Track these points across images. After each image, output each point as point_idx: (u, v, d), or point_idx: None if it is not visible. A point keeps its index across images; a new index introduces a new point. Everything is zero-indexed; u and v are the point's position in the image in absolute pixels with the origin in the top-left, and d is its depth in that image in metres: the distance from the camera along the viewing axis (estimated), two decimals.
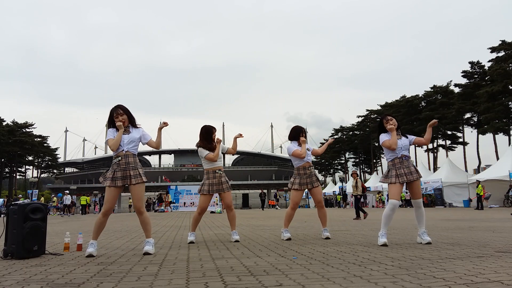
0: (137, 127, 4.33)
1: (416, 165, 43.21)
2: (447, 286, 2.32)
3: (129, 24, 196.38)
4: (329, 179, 69.75)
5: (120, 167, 4.09)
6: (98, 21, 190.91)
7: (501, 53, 39.51)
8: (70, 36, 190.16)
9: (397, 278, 2.58)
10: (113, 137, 4.16)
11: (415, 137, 4.86)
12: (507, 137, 40.75)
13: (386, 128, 4.74)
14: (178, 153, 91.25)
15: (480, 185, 20.71)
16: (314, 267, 3.11)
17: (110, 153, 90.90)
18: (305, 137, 5.60)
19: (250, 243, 5.12)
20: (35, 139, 63.64)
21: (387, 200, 4.78)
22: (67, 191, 28.97)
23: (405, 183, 4.62)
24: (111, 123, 4.26)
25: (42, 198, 37.78)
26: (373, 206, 34.03)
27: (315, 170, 5.58)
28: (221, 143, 5.54)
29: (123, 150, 4.13)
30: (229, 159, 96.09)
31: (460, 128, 48.73)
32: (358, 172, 13.84)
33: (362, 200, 14.37)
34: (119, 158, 4.11)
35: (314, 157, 5.91)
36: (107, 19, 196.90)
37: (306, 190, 5.63)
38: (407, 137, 4.79)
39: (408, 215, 13.98)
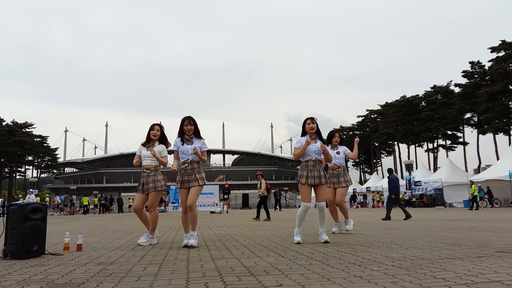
0: (200, 139, 4.89)
1: (417, 165, 43.30)
2: (447, 286, 2.32)
3: (130, 24, 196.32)
4: None
5: (187, 172, 4.74)
6: (99, 22, 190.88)
7: (501, 53, 39.54)
8: (71, 36, 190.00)
9: (397, 278, 2.58)
10: (177, 148, 4.83)
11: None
12: (507, 137, 40.78)
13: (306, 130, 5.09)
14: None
15: (474, 186, 20.76)
16: (314, 267, 3.11)
17: (109, 153, 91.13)
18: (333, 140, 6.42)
19: (250, 243, 5.12)
20: (35, 139, 63.64)
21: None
22: (31, 190, 26.80)
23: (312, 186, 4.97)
24: (181, 132, 4.86)
25: (38, 198, 37.52)
26: (373, 207, 34.01)
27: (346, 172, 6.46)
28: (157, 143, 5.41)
29: (188, 158, 4.75)
30: (229, 159, 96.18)
31: (460, 128, 48.74)
32: (262, 173, 13.67)
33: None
34: (186, 165, 4.76)
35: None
36: (108, 20, 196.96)
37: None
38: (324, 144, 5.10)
39: None
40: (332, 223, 6.53)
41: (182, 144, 4.79)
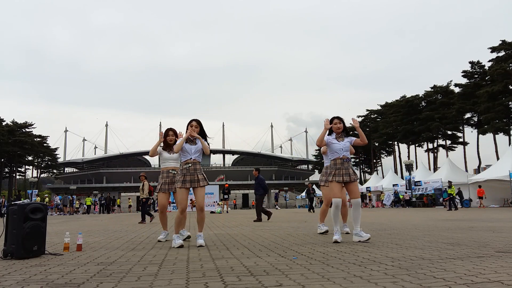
0: (205, 140, 4.98)
1: (417, 165, 43.30)
2: (447, 286, 2.32)
3: (132, 24, 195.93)
4: None
5: (190, 172, 4.77)
6: (101, 22, 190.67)
7: (502, 53, 39.52)
8: (72, 36, 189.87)
9: (397, 278, 2.58)
10: (181, 145, 4.84)
11: (354, 138, 5.18)
12: (507, 137, 40.78)
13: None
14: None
15: (453, 186, 20.84)
16: (314, 267, 3.11)
17: (109, 153, 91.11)
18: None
19: (250, 243, 5.12)
20: (35, 139, 63.64)
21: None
22: None
23: (342, 184, 4.97)
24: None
25: (39, 198, 37.52)
26: (373, 206, 34.01)
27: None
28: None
29: (191, 158, 4.81)
30: (229, 159, 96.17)
31: (460, 128, 48.73)
32: (146, 175, 12.58)
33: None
34: (189, 164, 4.80)
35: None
36: (109, 20, 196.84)
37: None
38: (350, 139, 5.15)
39: (408, 215, 13.98)
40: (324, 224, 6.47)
41: (185, 142, 4.90)
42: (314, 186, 23.58)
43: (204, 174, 4.91)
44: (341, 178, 4.91)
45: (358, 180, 5.23)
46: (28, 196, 37.51)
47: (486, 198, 23.69)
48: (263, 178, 12.29)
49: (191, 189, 4.83)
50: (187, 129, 4.93)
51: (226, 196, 22.93)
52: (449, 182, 21.75)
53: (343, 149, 5.02)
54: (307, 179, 74.64)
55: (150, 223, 11.64)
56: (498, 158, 34.74)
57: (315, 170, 73.43)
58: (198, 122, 4.98)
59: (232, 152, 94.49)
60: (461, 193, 24.13)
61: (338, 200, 4.90)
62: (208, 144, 5.05)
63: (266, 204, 67.40)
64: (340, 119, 5.14)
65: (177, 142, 4.94)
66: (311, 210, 20.33)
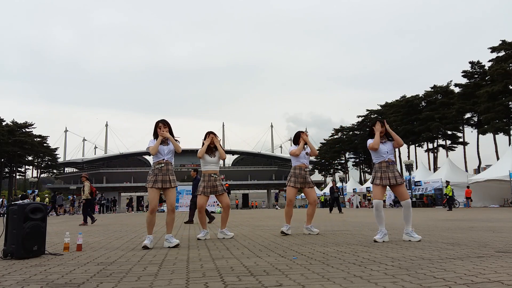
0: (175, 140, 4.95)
1: (417, 165, 43.31)
2: (447, 286, 2.31)
3: (133, 24, 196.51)
4: (329, 179, 69.73)
5: (162, 172, 4.78)
6: (101, 22, 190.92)
7: (502, 53, 39.43)
8: (73, 36, 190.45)
9: (397, 278, 2.58)
10: (153, 144, 4.83)
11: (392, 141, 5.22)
12: (507, 137, 40.70)
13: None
14: (178, 153, 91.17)
15: (449, 186, 20.82)
16: (314, 267, 3.11)
17: (109, 153, 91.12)
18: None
19: (250, 243, 5.12)
20: (35, 139, 63.59)
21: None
22: None
23: (388, 186, 5.02)
24: (155, 134, 4.91)
25: (39, 198, 37.50)
26: (373, 206, 34.03)
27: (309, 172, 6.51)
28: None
29: (163, 158, 4.82)
30: (229, 159, 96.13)
31: (460, 128, 48.66)
32: (87, 176, 12.27)
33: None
34: (162, 165, 4.80)
35: (312, 157, 6.39)
36: (111, 20, 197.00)
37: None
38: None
39: None
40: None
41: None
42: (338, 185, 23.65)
43: (174, 176, 4.93)
44: (387, 182, 4.94)
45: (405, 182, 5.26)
46: (28, 196, 37.48)
47: (472, 201, 23.93)
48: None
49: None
50: (155, 129, 4.88)
51: None
52: (447, 182, 21.77)
53: (388, 152, 5.06)
54: None
55: (91, 224, 11.54)
56: (498, 158, 34.72)
57: (315, 170, 73.33)
58: (165, 122, 4.95)
59: (232, 152, 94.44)
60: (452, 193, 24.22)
61: (378, 201, 4.98)
62: (179, 142, 5.00)
63: (266, 204, 67.32)
64: (382, 122, 5.19)
65: (154, 143, 4.80)
66: (340, 211, 18.64)
